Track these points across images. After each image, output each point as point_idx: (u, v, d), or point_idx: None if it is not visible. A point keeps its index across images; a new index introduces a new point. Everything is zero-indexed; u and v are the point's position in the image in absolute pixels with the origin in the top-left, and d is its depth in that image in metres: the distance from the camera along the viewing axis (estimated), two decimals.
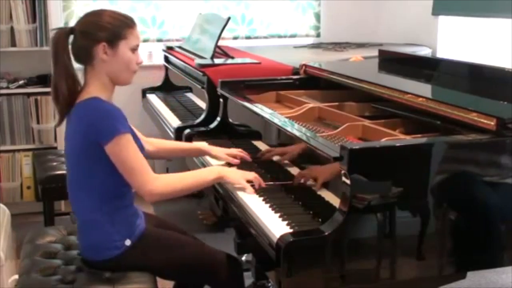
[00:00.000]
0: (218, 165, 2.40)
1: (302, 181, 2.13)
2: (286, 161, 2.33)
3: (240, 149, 2.41)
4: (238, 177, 2.15)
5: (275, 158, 2.39)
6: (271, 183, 2.17)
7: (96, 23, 2.06)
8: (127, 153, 1.99)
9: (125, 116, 2.04)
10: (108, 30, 2.05)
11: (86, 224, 2.11)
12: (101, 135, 1.98)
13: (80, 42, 2.06)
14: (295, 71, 3.01)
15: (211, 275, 2.18)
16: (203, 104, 3.35)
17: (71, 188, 2.13)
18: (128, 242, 2.08)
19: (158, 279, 2.14)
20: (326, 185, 2.06)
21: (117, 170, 2.01)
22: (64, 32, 2.07)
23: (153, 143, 2.40)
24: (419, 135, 2.03)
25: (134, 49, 2.11)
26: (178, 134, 2.94)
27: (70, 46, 2.08)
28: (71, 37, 2.08)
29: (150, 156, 2.35)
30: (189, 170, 2.28)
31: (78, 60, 2.09)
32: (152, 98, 3.93)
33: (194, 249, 2.20)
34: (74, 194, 2.13)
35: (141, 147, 2.10)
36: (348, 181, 1.70)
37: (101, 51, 2.05)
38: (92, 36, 2.05)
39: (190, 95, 3.90)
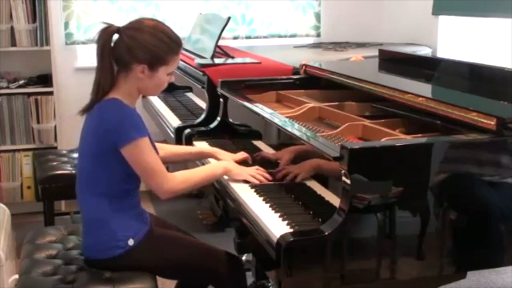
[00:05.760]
0: None
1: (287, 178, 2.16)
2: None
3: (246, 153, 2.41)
4: (242, 171, 2.21)
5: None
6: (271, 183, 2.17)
7: (142, 42, 2.03)
8: (145, 156, 2.02)
9: (142, 120, 2.06)
10: (152, 53, 2.04)
11: (92, 223, 2.11)
12: (119, 138, 1.99)
13: (122, 53, 2.05)
14: (295, 71, 3.01)
15: (213, 274, 2.18)
16: (203, 104, 3.34)
17: (81, 185, 2.13)
18: (131, 242, 2.08)
19: (158, 279, 2.14)
20: (326, 185, 2.06)
21: (128, 171, 2.03)
22: (111, 31, 2.06)
23: (164, 149, 2.40)
24: (419, 135, 2.03)
25: (170, 74, 2.12)
26: (178, 134, 2.94)
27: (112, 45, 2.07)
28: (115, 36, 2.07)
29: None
30: (187, 169, 2.30)
31: (115, 62, 2.08)
32: (152, 98, 3.92)
33: (196, 248, 2.20)
34: (83, 192, 2.13)
35: (155, 148, 2.11)
36: (348, 181, 1.70)
37: (139, 70, 2.05)
38: (135, 54, 2.03)
39: (190, 95, 3.89)
